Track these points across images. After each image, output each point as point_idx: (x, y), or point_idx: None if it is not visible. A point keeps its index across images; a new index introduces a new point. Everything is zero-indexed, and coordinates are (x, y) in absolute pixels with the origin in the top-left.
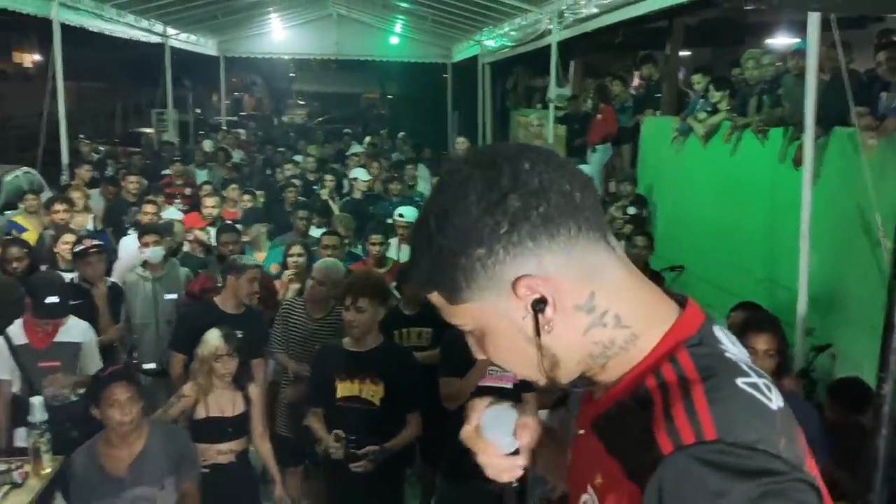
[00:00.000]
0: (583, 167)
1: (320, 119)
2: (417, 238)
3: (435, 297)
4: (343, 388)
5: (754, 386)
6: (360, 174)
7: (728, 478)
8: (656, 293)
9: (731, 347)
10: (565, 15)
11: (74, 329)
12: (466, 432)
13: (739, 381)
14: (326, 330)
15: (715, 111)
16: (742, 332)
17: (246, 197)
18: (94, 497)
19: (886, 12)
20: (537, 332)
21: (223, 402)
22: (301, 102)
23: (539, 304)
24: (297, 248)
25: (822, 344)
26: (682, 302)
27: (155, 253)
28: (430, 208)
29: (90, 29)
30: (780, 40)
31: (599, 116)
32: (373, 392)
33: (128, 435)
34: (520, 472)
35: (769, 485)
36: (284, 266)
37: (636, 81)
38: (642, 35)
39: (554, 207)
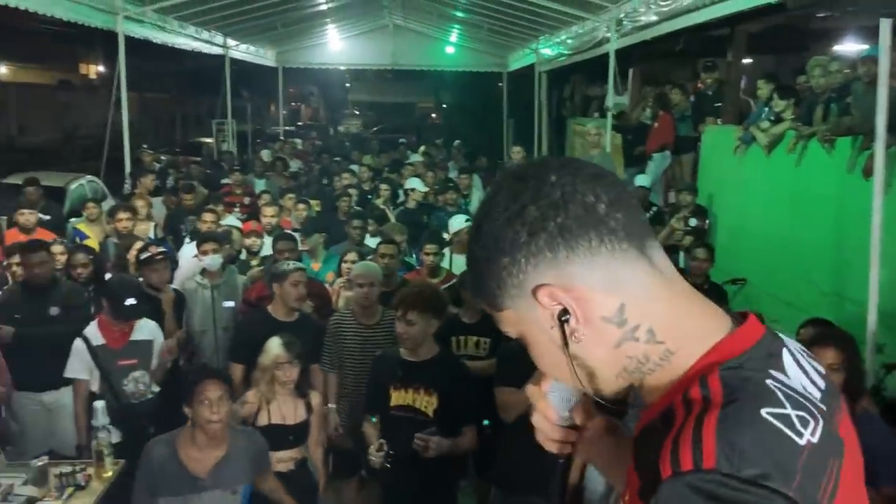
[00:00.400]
0: (640, 177)
1: (375, 129)
2: (468, 249)
3: (484, 305)
4: (397, 397)
5: (783, 417)
6: (416, 184)
7: None
8: (704, 307)
9: (791, 372)
10: (624, 23)
11: (146, 328)
12: (532, 389)
13: (765, 411)
14: (380, 336)
15: (779, 120)
16: (808, 347)
17: (301, 206)
18: (169, 491)
19: None
20: (565, 343)
21: (285, 410)
22: (356, 112)
23: (564, 315)
24: (351, 256)
25: (894, 362)
26: (741, 319)
27: (214, 261)
28: (473, 219)
29: (154, 41)
30: (846, 47)
31: (656, 124)
32: (426, 402)
33: (215, 436)
34: (566, 448)
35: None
36: (339, 274)
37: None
38: (702, 42)
39: (573, 219)
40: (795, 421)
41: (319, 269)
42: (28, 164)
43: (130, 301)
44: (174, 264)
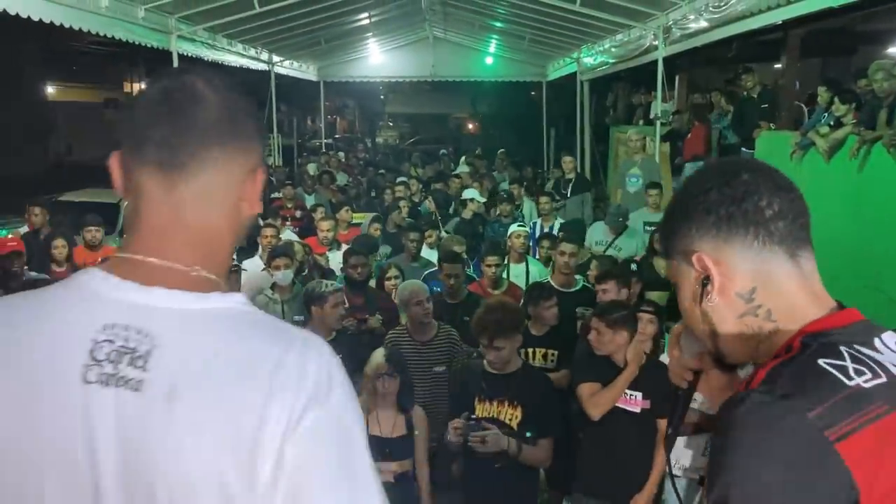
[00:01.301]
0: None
1: (412, 140)
2: (669, 205)
3: (662, 250)
4: (481, 409)
5: (838, 366)
6: (473, 195)
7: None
8: (814, 297)
9: (882, 349)
10: (672, 30)
11: None
12: (674, 329)
13: (822, 361)
14: (436, 352)
15: (839, 125)
16: None
17: (376, 225)
18: None
19: None
20: (699, 301)
21: (384, 422)
22: (391, 124)
23: (706, 280)
24: (393, 272)
25: None
26: (842, 309)
27: (286, 276)
28: (679, 188)
29: (204, 58)
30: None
31: (690, 135)
32: (511, 415)
33: None
34: (684, 383)
35: (756, 404)
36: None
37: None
38: (752, 48)
39: (741, 214)
40: (850, 369)
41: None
42: (78, 181)
43: None
44: None
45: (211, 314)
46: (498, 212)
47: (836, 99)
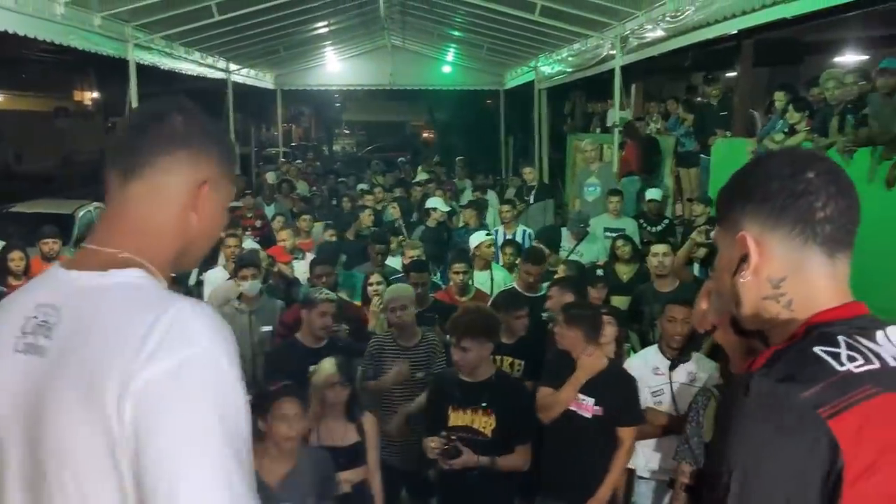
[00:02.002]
0: (651, 191)
1: (369, 148)
2: (737, 176)
3: (717, 216)
4: (455, 418)
5: (831, 353)
6: (437, 203)
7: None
8: (834, 295)
9: (881, 342)
10: (629, 39)
11: None
12: (709, 285)
13: (817, 348)
14: (421, 356)
15: (793, 132)
16: None
17: (329, 232)
18: None
19: None
20: (734, 273)
21: (335, 432)
22: (347, 132)
23: (745, 257)
24: (375, 278)
25: None
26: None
27: (253, 286)
28: (746, 164)
29: (161, 67)
30: (846, 58)
31: (624, 153)
32: (484, 423)
33: (285, 451)
34: (705, 327)
35: (755, 385)
36: (365, 298)
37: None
38: (706, 57)
39: (793, 209)
40: (843, 356)
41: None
42: (28, 192)
43: None
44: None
45: (105, 287)
46: (463, 220)
47: (790, 106)
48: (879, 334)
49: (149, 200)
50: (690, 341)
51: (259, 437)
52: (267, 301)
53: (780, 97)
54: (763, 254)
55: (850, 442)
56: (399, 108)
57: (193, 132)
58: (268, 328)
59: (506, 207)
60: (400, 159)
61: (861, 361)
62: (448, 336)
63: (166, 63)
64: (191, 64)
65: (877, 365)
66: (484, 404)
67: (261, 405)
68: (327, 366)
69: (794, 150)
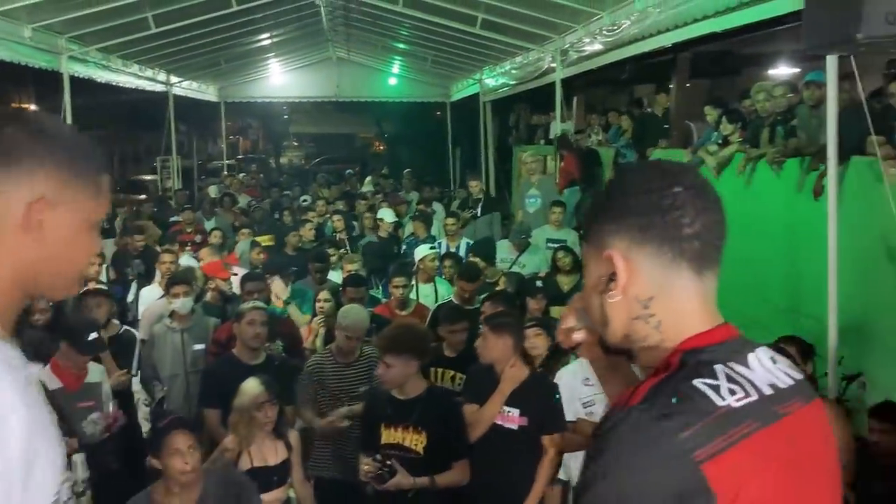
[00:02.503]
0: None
1: (317, 160)
2: (598, 191)
3: (584, 232)
4: (387, 435)
5: (712, 386)
6: (386, 215)
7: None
8: (702, 317)
9: (755, 366)
10: (569, 53)
11: (95, 370)
12: (578, 299)
13: (696, 381)
14: (361, 371)
15: (726, 143)
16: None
17: (256, 250)
18: None
19: None
20: (602, 292)
21: (266, 452)
22: (295, 143)
23: (612, 276)
24: (324, 295)
25: (853, 373)
26: (722, 324)
27: (184, 304)
28: (622, 170)
29: (97, 80)
30: (780, 70)
31: (562, 164)
32: (415, 440)
33: (187, 484)
34: (569, 344)
35: (634, 423)
36: (314, 314)
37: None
38: (645, 69)
39: (659, 225)
40: (723, 389)
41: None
42: None
43: (93, 335)
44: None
45: None
46: (411, 231)
47: (723, 118)
48: (751, 358)
49: None
50: (623, 351)
51: (157, 475)
52: (200, 318)
53: (709, 111)
54: (631, 272)
55: (727, 485)
56: (348, 119)
57: (22, 143)
58: (200, 346)
59: (450, 220)
60: (348, 171)
61: (741, 394)
62: (377, 349)
63: (102, 76)
64: (129, 76)
65: (755, 396)
66: (414, 422)
67: (153, 443)
68: (253, 386)
69: (662, 163)
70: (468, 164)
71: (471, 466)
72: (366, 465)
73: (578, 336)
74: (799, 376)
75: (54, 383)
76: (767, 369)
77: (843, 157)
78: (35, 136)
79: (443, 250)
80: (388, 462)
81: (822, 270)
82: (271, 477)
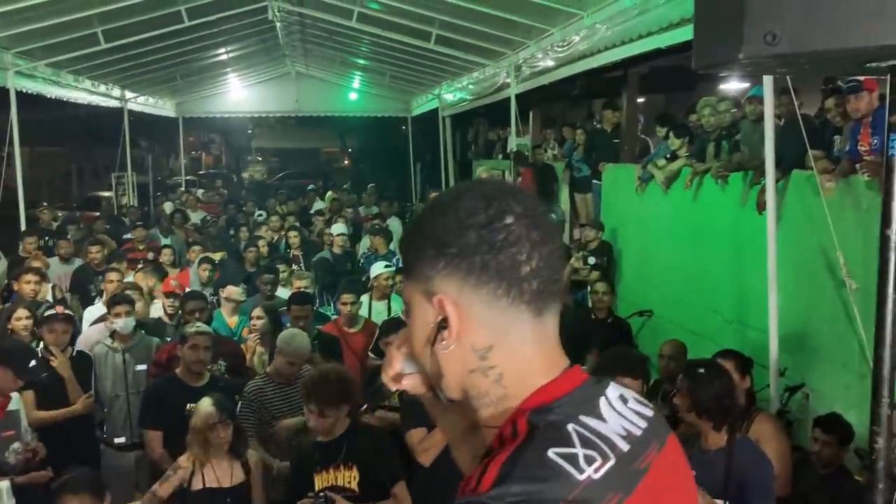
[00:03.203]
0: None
1: (280, 175)
2: (418, 218)
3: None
4: (320, 480)
5: (568, 456)
6: (341, 230)
7: None
8: (546, 365)
9: (606, 414)
10: (523, 68)
11: (15, 398)
12: (398, 339)
13: (552, 451)
14: (298, 393)
15: (674, 158)
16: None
17: (203, 266)
18: None
19: (828, 74)
20: (431, 343)
21: (220, 473)
22: (259, 159)
23: (443, 322)
24: (257, 312)
25: (795, 384)
26: (569, 369)
27: (126, 324)
28: (438, 198)
29: (47, 96)
30: (730, 85)
31: (519, 179)
32: (349, 477)
33: None
34: (391, 388)
35: None
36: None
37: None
38: (599, 84)
39: (496, 264)
40: (581, 459)
41: (235, 324)
42: None
43: (33, 363)
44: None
45: None
46: (368, 246)
47: (671, 133)
48: (602, 404)
49: None
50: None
51: None
52: (142, 338)
53: (658, 128)
54: (464, 319)
55: None
56: (310, 134)
57: None
58: (142, 367)
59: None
60: (310, 186)
61: (599, 461)
62: (305, 401)
63: (52, 91)
64: (82, 92)
65: (612, 459)
66: (344, 458)
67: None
68: (206, 406)
69: (485, 187)
70: (430, 178)
71: (419, 486)
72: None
73: (409, 382)
74: (650, 413)
75: None
76: (620, 413)
77: (785, 172)
78: None
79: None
80: (322, 494)
81: (766, 283)
82: (224, 499)
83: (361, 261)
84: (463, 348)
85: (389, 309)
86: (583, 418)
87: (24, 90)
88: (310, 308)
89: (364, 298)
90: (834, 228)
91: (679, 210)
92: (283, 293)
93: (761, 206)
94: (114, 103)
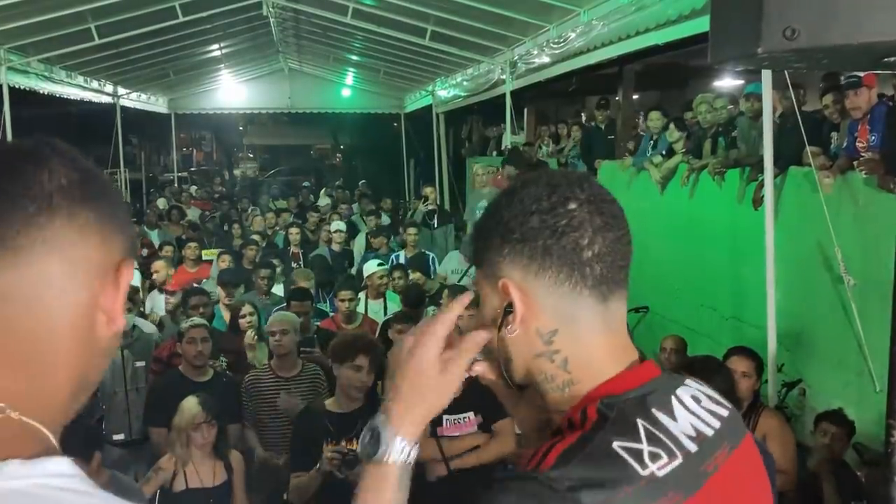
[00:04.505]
0: None
1: (272, 172)
2: (486, 210)
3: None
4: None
5: (633, 451)
6: (340, 227)
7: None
8: (620, 349)
9: (678, 413)
10: (518, 65)
11: None
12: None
13: (617, 444)
14: (302, 387)
15: (670, 153)
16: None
17: (225, 257)
18: None
19: (839, 69)
20: (499, 326)
21: (203, 473)
22: (251, 155)
23: (509, 308)
24: (247, 308)
25: (792, 380)
26: (640, 362)
27: (126, 320)
28: (507, 187)
29: (40, 92)
30: (725, 83)
31: (499, 177)
32: None
33: None
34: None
35: (540, 492)
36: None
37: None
38: (593, 81)
39: (559, 248)
40: (645, 455)
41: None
42: None
43: None
44: None
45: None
46: (363, 242)
47: (671, 125)
48: (674, 402)
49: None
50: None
51: None
52: (141, 335)
53: (654, 118)
54: (529, 303)
55: None
56: (303, 131)
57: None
58: (141, 363)
59: (411, 230)
60: (304, 183)
61: (664, 459)
62: (340, 358)
63: (46, 87)
64: (74, 88)
65: (679, 459)
66: (356, 434)
67: None
68: (191, 405)
69: (553, 176)
70: (423, 175)
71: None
72: (330, 453)
73: (479, 368)
74: (725, 412)
75: None
76: (692, 412)
77: (782, 168)
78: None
79: (402, 261)
80: (348, 449)
81: (764, 279)
82: (207, 499)
83: (359, 259)
84: (528, 333)
85: (385, 307)
86: (654, 414)
87: (17, 86)
88: (309, 304)
89: (360, 297)
90: (832, 224)
91: (675, 207)
92: (276, 289)
93: (757, 203)
94: (106, 99)
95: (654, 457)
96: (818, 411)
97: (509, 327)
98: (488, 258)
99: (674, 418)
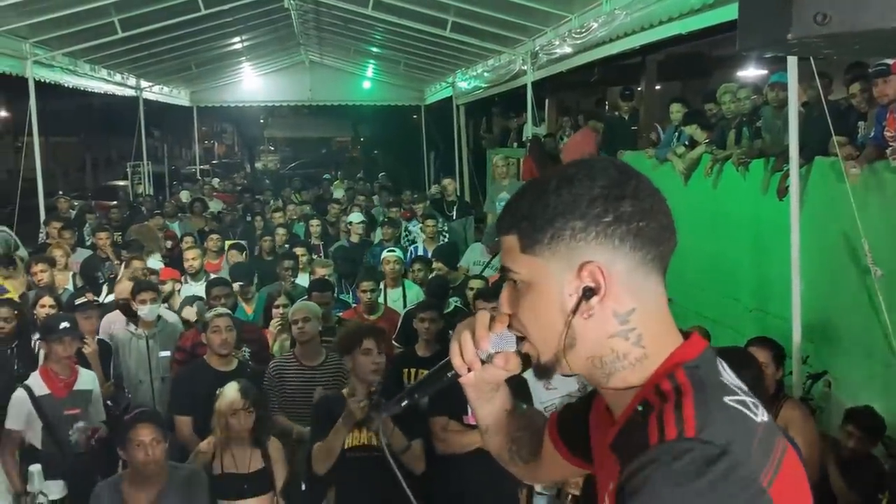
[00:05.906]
0: None
1: (293, 164)
2: (530, 189)
3: (508, 240)
4: (352, 439)
5: (741, 402)
6: (356, 218)
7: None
8: (672, 326)
9: (727, 375)
10: (539, 55)
11: (87, 377)
12: (483, 315)
13: (727, 399)
14: (326, 376)
15: (693, 144)
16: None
17: (234, 252)
18: None
19: (871, 56)
20: (573, 312)
21: (239, 459)
22: (272, 148)
23: (588, 292)
24: (282, 300)
25: (817, 372)
26: (688, 335)
27: (151, 311)
28: (558, 173)
29: (65, 85)
30: (748, 72)
31: (522, 167)
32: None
33: (151, 475)
34: (463, 370)
35: (698, 458)
36: (270, 319)
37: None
38: (615, 71)
39: (650, 230)
40: (750, 405)
41: (253, 312)
42: None
43: (65, 324)
44: None
45: None
46: (381, 236)
47: (697, 128)
48: (721, 367)
49: None
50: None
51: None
52: (165, 325)
53: (675, 109)
54: (611, 285)
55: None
56: (323, 124)
57: None
58: (166, 353)
59: (430, 222)
60: (325, 175)
61: (762, 408)
62: (351, 345)
63: (70, 80)
64: (98, 81)
65: (760, 404)
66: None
67: (119, 435)
68: (231, 391)
69: (615, 163)
70: (443, 167)
71: (457, 470)
72: (355, 402)
73: (502, 361)
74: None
75: (42, 390)
76: (732, 375)
77: (808, 158)
78: None
79: (420, 253)
80: (373, 391)
81: (788, 271)
82: (242, 485)
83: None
84: (604, 315)
85: (405, 296)
86: (721, 372)
87: (42, 79)
88: (330, 295)
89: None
90: (858, 215)
91: (699, 197)
92: (301, 280)
93: (782, 193)
94: (129, 92)
95: (755, 405)
96: (844, 403)
97: (589, 311)
98: (553, 243)
99: (731, 377)
